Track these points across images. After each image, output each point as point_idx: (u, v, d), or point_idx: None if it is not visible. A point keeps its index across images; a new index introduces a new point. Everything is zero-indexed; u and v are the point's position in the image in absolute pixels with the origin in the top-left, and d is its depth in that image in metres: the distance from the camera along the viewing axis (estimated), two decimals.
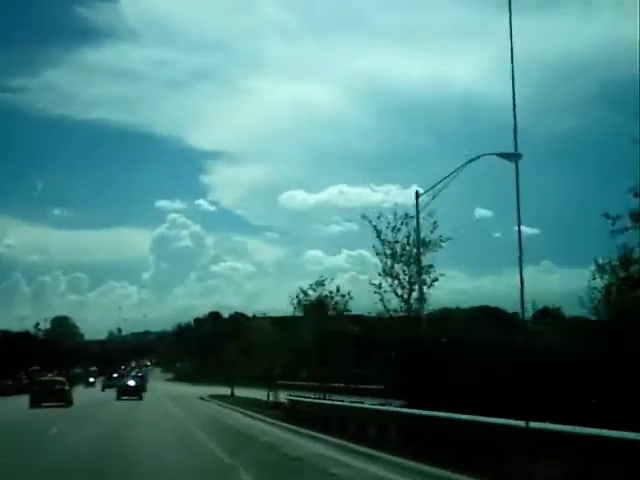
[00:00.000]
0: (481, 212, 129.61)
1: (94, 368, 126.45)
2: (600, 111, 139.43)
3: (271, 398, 37.21)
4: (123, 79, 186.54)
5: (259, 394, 40.25)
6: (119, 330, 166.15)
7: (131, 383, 48.86)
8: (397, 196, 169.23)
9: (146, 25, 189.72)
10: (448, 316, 44.15)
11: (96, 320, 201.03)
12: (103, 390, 71.03)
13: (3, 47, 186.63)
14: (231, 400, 44.88)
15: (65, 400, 38.55)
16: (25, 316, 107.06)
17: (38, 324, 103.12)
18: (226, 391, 51.78)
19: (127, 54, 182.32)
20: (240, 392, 49.38)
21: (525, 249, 11.65)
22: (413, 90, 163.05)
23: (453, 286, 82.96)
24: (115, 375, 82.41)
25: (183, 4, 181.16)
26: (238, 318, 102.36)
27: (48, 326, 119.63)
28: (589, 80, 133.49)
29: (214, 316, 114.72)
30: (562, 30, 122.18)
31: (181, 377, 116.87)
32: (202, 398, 49.18)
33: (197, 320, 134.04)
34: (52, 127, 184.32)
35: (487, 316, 46.97)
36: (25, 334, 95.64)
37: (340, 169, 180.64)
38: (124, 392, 45.95)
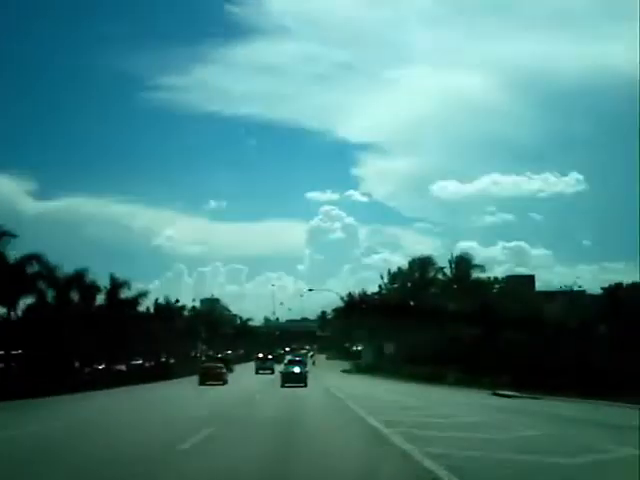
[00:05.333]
0: None
1: (242, 351, 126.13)
2: None
3: None
4: (271, 74, 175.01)
5: None
6: (277, 319, 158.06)
7: (296, 370, 48.05)
8: (556, 184, 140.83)
9: (292, 20, 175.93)
10: None
11: (253, 309, 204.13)
12: (257, 372, 73.32)
13: (156, 48, 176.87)
14: None
15: (222, 380, 48.08)
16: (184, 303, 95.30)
17: (177, 301, 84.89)
18: None
19: (273, 49, 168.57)
20: None
21: None
22: (565, 75, 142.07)
23: None
24: (270, 357, 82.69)
25: None
26: (464, 263, 75.01)
27: (197, 305, 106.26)
28: None
29: (422, 264, 78.49)
30: None
31: (368, 368, 72.56)
32: None
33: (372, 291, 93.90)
34: (204, 123, 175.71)
35: None
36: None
37: (493, 158, 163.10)
38: (288, 379, 45.20)
